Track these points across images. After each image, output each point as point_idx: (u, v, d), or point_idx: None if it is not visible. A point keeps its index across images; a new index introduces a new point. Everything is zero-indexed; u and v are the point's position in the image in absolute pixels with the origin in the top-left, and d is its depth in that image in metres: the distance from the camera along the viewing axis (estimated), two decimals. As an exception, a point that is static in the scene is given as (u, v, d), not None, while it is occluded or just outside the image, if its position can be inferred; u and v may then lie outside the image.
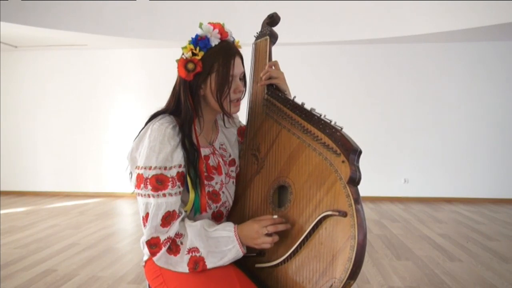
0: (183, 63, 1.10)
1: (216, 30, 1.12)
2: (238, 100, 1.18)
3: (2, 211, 4.76)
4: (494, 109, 5.37)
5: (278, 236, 1.05)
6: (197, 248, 1.04)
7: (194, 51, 1.10)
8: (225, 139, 1.28)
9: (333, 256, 0.95)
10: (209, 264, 1.05)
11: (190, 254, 1.04)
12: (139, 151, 1.09)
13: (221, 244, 1.06)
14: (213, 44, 1.11)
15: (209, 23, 1.13)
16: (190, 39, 1.12)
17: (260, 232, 1.03)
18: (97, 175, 5.90)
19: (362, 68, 5.55)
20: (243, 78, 1.19)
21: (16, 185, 6.04)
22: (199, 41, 1.10)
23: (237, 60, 1.14)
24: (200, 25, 1.11)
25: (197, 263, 1.04)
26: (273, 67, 1.25)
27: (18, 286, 2.48)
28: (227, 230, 1.07)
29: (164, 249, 1.04)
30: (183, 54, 1.11)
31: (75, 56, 5.86)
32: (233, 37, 1.19)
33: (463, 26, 4.56)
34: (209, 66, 1.10)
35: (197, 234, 1.05)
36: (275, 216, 1.07)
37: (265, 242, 1.04)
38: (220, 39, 1.13)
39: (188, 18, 4.86)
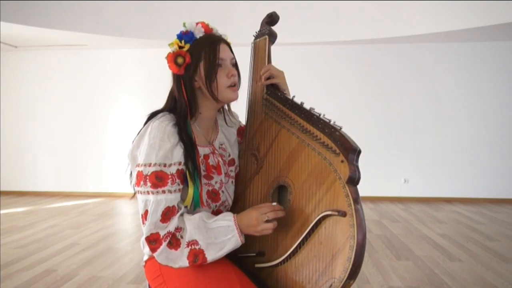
0: (172, 58, 1.13)
1: (200, 25, 1.16)
2: (235, 85, 1.17)
3: (2, 211, 4.76)
4: (494, 109, 5.37)
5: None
6: (196, 240, 1.04)
7: (180, 44, 1.13)
8: (225, 139, 1.28)
9: (333, 256, 0.94)
10: (209, 256, 1.04)
11: (190, 247, 1.04)
12: (139, 149, 1.09)
13: (220, 234, 1.05)
14: (197, 37, 1.14)
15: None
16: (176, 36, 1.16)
17: (260, 219, 1.03)
18: (97, 175, 5.90)
19: (362, 68, 5.55)
20: (235, 64, 1.20)
21: (16, 185, 6.04)
22: (183, 35, 1.14)
23: (223, 45, 1.15)
24: (184, 24, 1.15)
25: (196, 256, 1.04)
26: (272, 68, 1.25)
27: (18, 286, 2.48)
28: (226, 219, 1.07)
29: (164, 244, 1.03)
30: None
31: (75, 56, 5.86)
32: (220, 34, 1.20)
33: (463, 26, 4.55)
34: (196, 55, 1.12)
35: (196, 226, 1.05)
36: (274, 203, 1.06)
37: (265, 229, 1.04)
38: (204, 33, 1.16)
39: (188, 18, 4.82)
